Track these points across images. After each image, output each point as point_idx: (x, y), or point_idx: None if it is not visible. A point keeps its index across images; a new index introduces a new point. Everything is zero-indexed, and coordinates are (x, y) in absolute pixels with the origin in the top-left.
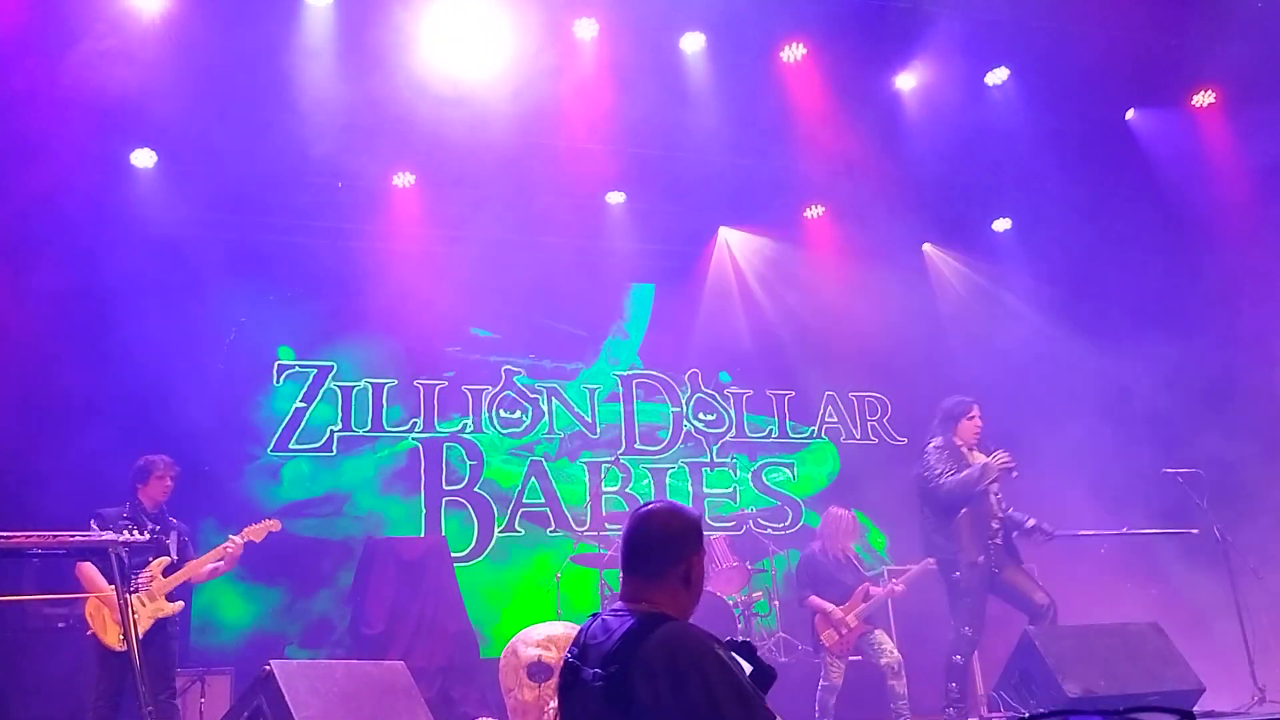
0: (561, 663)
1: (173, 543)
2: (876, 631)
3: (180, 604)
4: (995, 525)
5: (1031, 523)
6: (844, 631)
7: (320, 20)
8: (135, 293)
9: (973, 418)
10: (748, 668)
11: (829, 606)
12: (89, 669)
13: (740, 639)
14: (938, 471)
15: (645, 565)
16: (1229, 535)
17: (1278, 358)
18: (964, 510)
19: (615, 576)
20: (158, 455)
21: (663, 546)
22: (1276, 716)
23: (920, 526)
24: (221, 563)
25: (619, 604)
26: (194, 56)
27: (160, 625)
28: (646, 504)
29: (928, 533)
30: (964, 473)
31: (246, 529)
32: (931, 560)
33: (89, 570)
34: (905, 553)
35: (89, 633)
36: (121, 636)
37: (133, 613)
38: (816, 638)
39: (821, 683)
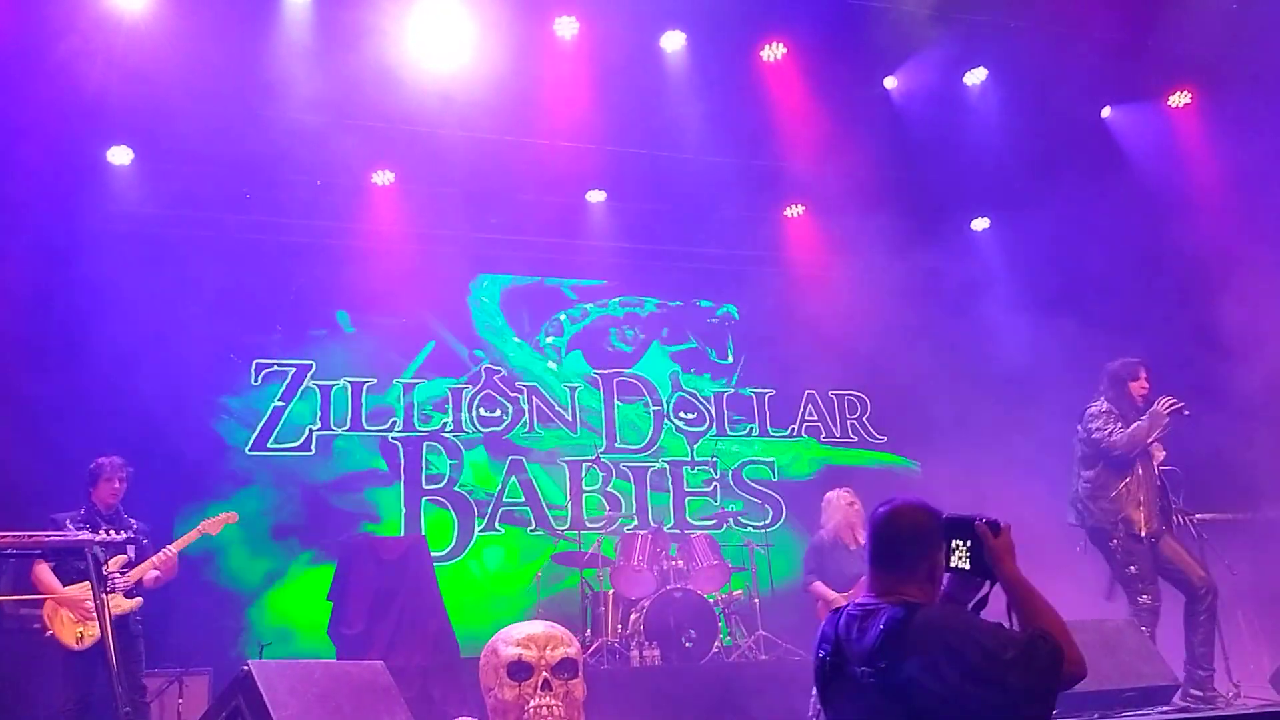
0: (818, 661)
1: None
2: None
3: (139, 600)
4: (1158, 485)
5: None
6: None
7: (299, 18)
8: (111, 289)
9: (1139, 379)
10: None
11: (831, 594)
12: (55, 673)
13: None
14: (1107, 430)
15: (895, 561)
16: (1204, 533)
17: (1255, 354)
18: (1130, 474)
19: (595, 575)
20: (108, 458)
21: (912, 544)
22: (1251, 711)
23: (1070, 496)
24: (159, 571)
25: (867, 598)
26: (170, 54)
27: (120, 622)
28: (892, 499)
29: (1082, 500)
30: (1133, 426)
31: (204, 521)
32: None
33: (43, 572)
34: None
35: (48, 634)
36: (79, 635)
37: (108, 610)
38: (820, 622)
39: None
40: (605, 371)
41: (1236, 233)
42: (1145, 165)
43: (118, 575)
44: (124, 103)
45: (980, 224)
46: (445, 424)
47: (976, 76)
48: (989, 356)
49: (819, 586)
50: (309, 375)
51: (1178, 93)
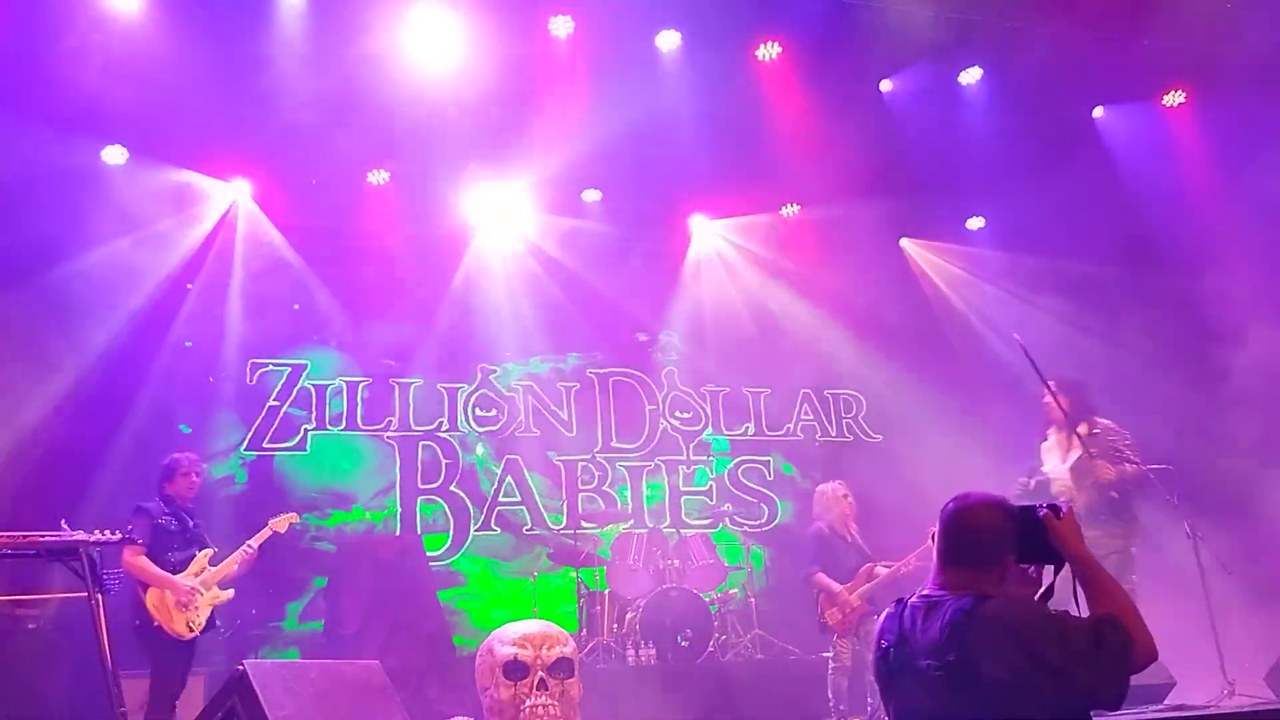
0: (881, 652)
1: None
2: (877, 619)
3: (232, 591)
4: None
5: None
6: (847, 610)
7: (294, 17)
8: (107, 289)
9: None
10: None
11: (834, 585)
12: (144, 665)
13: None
14: None
15: (966, 559)
16: (1200, 531)
17: (1248, 345)
18: None
19: (591, 575)
20: (183, 453)
21: (983, 543)
22: (1246, 710)
23: None
24: (237, 567)
25: (935, 591)
26: (165, 53)
27: (211, 613)
28: (964, 495)
29: None
30: None
31: (272, 521)
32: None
33: (142, 561)
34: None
35: (155, 624)
36: (189, 623)
37: (102, 612)
38: (820, 616)
39: (831, 664)
40: (601, 371)
41: (1231, 230)
42: (1139, 163)
43: (209, 567)
44: (119, 102)
45: (975, 223)
46: (441, 423)
47: (972, 76)
48: (988, 354)
49: (821, 578)
50: (304, 375)
51: (1172, 92)
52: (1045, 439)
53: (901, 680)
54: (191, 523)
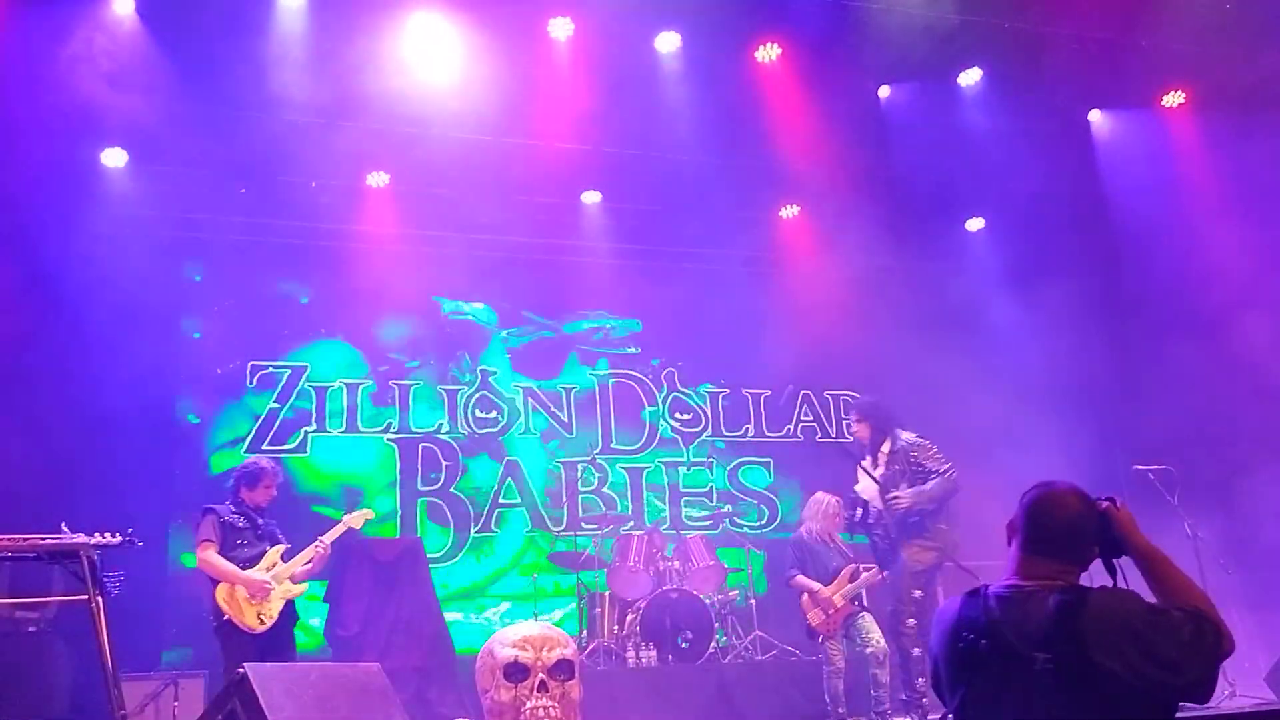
0: (967, 643)
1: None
2: (865, 617)
3: (305, 586)
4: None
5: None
6: (830, 611)
7: (294, 20)
8: (106, 292)
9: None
10: None
11: (814, 585)
12: (222, 662)
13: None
14: None
15: (1054, 550)
16: (1199, 531)
17: (1248, 348)
18: None
19: (591, 577)
20: (268, 462)
21: (1075, 536)
22: (1246, 710)
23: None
24: (310, 564)
25: (1017, 580)
26: (166, 56)
27: (289, 606)
28: (1048, 483)
29: None
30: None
31: (346, 517)
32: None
33: (215, 559)
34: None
35: (225, 618)
36: (259, 616)
37: (103, 614)
38: (804, 618)
39: (826, 668)
40: (601, 373)
41: (1229, 229)
42: (1139, 163)
43: (280, 562)
44: (118, 105)
45: (975, 224)
46: (441, 425)
47: (971, 77)
48: (987, 354)
49: (801, 579)
50: (304, 377)
51: (1172, 92)
52: (865, 459)
53: (991, 671)
54: (261, 520)
